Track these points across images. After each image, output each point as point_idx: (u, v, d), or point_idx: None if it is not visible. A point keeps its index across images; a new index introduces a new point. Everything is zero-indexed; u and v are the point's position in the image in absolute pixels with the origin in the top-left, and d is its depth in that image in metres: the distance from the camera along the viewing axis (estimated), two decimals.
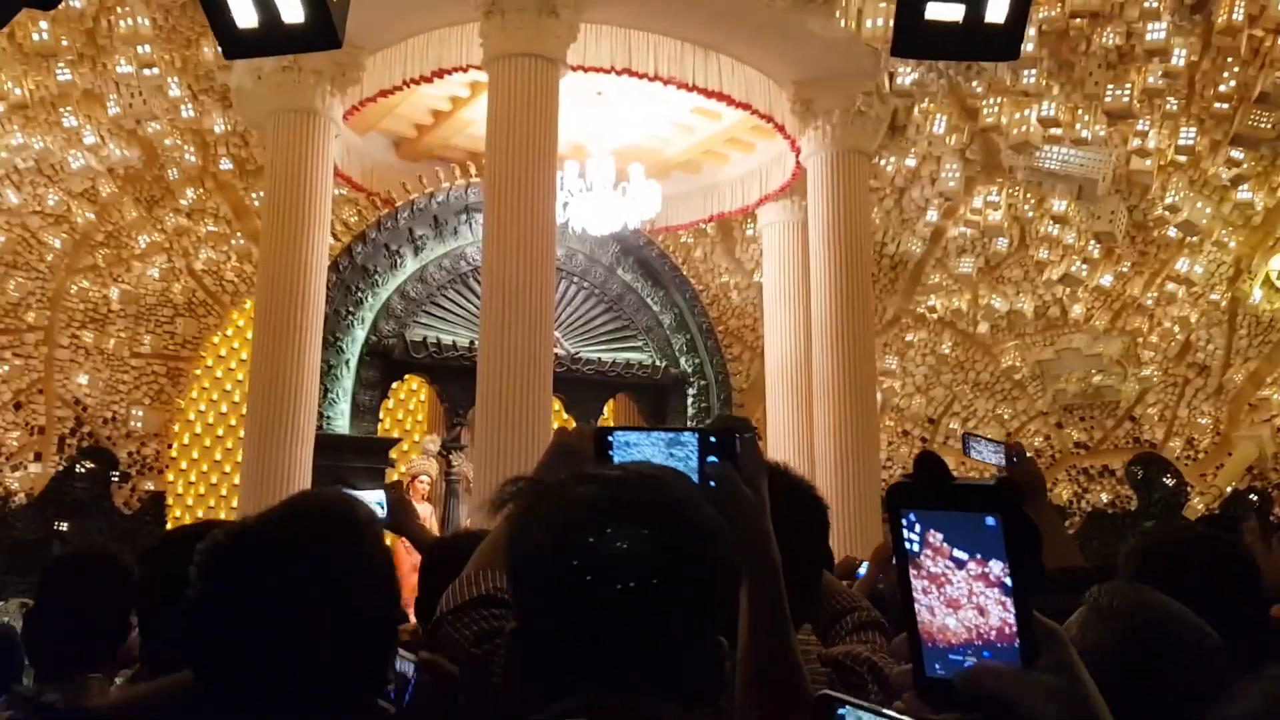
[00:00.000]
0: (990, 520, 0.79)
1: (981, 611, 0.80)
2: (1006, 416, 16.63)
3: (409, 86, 10.95)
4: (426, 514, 11.73)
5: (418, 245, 12.29)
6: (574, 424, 13.71)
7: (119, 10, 10.70)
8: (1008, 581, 0.78)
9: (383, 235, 12.13)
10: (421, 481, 11.75)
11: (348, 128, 11.83)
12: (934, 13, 2.15)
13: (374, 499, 2.19)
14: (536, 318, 9.23)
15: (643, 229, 13.02)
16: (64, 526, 13.67)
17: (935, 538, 0.81)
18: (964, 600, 0.80)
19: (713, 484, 1.43)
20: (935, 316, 15.99)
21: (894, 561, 0.84)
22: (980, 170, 14.02)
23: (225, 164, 13.49)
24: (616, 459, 1.50)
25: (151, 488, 14.74)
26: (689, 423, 13.11)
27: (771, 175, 12.98)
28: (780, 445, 12.49)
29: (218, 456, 14.71)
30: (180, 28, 11.20)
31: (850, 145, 11.68)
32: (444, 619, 1.74)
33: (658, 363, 13.46)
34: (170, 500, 14.58)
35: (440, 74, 10.64)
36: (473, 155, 12.34)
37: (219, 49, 2.41)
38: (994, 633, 0.80)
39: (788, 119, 11.66)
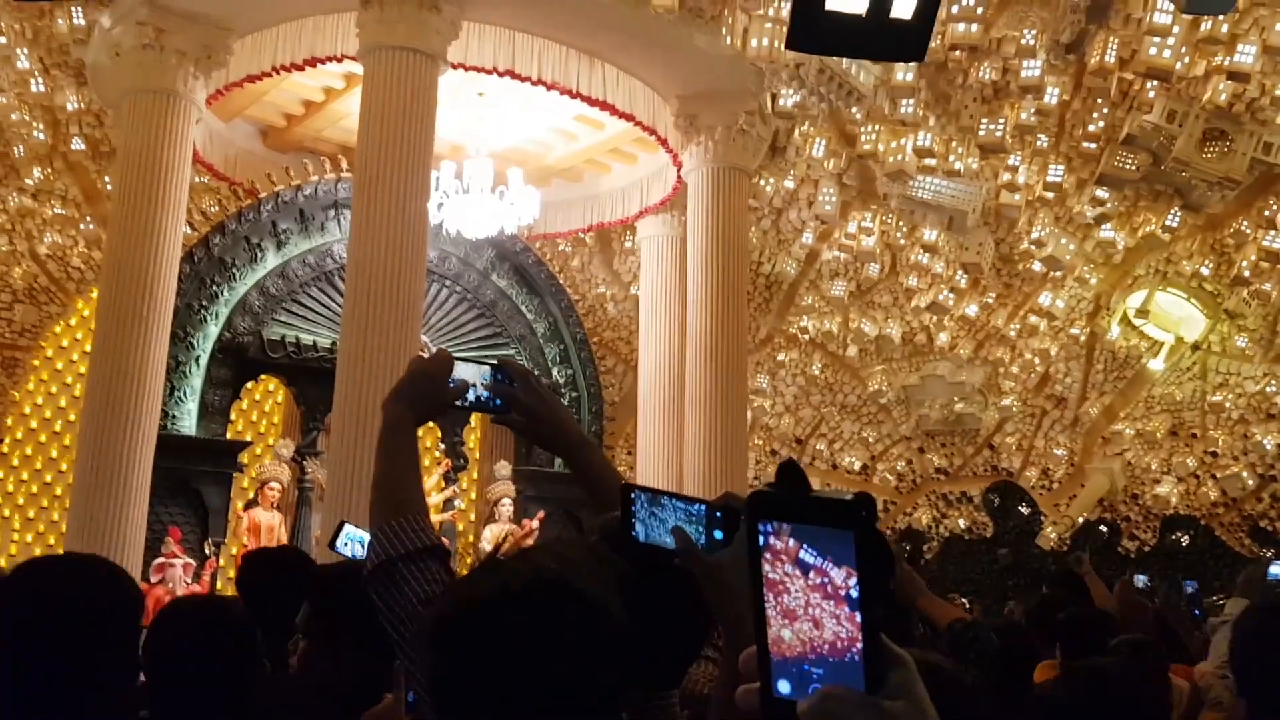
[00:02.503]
0: (846, 535, 0.78)
1: (830, 629, 0.79)
2: (871, 439, 16.86)
3: (279, 73, 10.45)
4: (275, 522, 11.21)
5: (281, 239, 11.76)
6: (438, 432, 13.34)
7: None
8: (856, 598, 0.78)
9: (243, 227, 11.57)
10: (272, 488, 11.24)
11: (211, 113, 11.24)
12: (836, 3, 1.97)
13: (478, 374, 1.92)
14: (403, 319, 8.85)
15: (520, 235, 12.74)
16: None
17: (791, 550, 0.79)
18: (814, 616, 0.79)
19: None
20: (807, 337, 16.12)
21: (749, 576, 0.82)
22: (856, 195, 14.18)
23: (77, 144, 12.70)
24: (639, 525, 1.59)
25: None
26: None
27: (652, 188, 12.87)
28: (650, 460, 12.34)
29: (53, 454, 13.80)
30: None
31: (731, 163, 11.63)
32: (397, 563, 1.68)
33: (546, 376, 13.17)
34: None
35: (313, 62, 10.18)
36: (345, 149, 11.88)
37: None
38: (841, 653, 0.79)
39: (670, 133, 11.55)
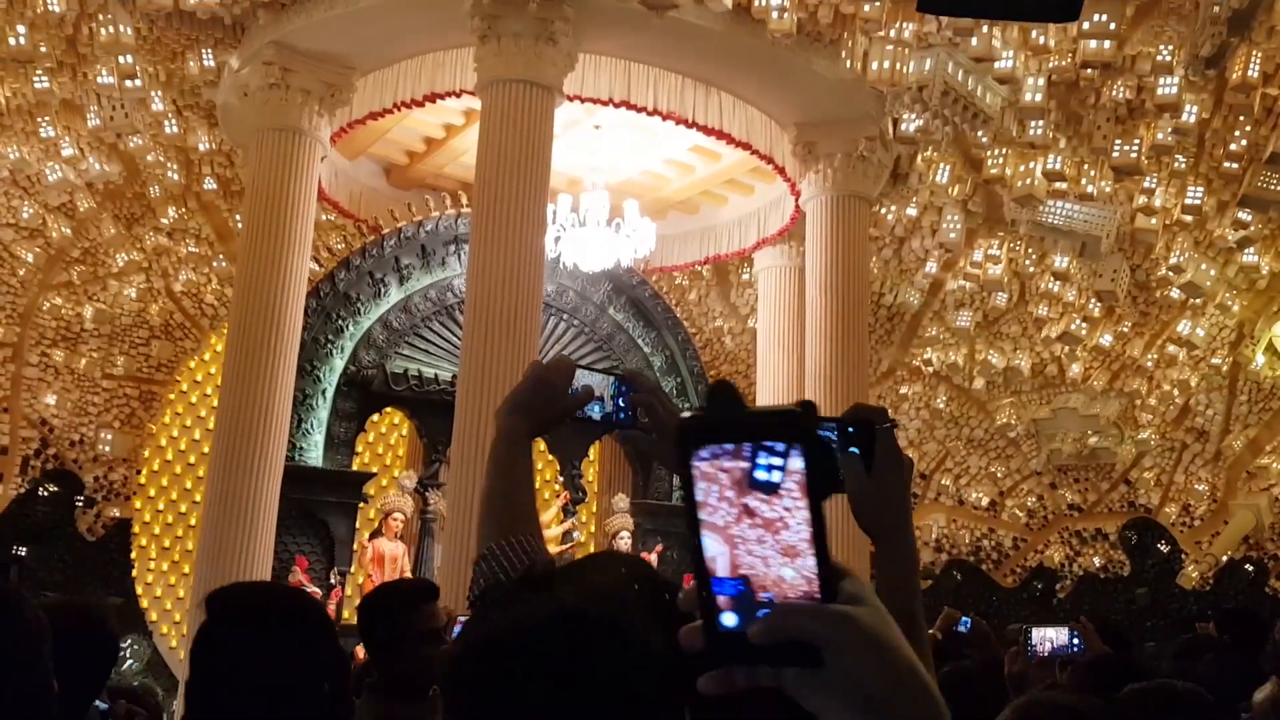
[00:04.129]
0: (787, 449, 0.73)
1: (778, 552, 0.74)
2: (999, 475, 16.25)
3: (400, 109, 10.62)
4: (399, 553, 11.29)
5: (403, 274, 11.93)
6: (557, 465, 13.32)
7: (100, 18, 10.33)
8: (806, 515, 0.73)
9: (368, 263, 11.78)
10: (395, 519, 11.33)
11: (337, 151, 11.49)
12: None
13: (602, 385, 1.80)
14: (520, 353, 8.82)
15: (637, 268, 12.69)
16: (23, 551, 13.14)
17: (728, 473, 0.73)
18: (760, 540, 0.73)
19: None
20: (931, 370, 15.65)
21: (684, 507, 0.75)
22: (982, 223, 13.73)
23: (209, 184, 13.12)
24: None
25: (118, 514, 14.22)
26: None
27: (770, 218, 12.69)
28: None
29: (188, 485, 14.19)
30: (165, 39, 10.86)
31: (851, 190, 11.38)
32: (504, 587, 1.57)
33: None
34: (137, 528, 14.05)
35: (432, 98, 10.32)
36: (465, 185, 12.01)
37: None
38: (791, 575, 0.74)
39: (788, 161, 11.37)
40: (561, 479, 13.21)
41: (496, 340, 8.79)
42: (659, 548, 12.22)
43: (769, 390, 12.63)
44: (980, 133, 11.42)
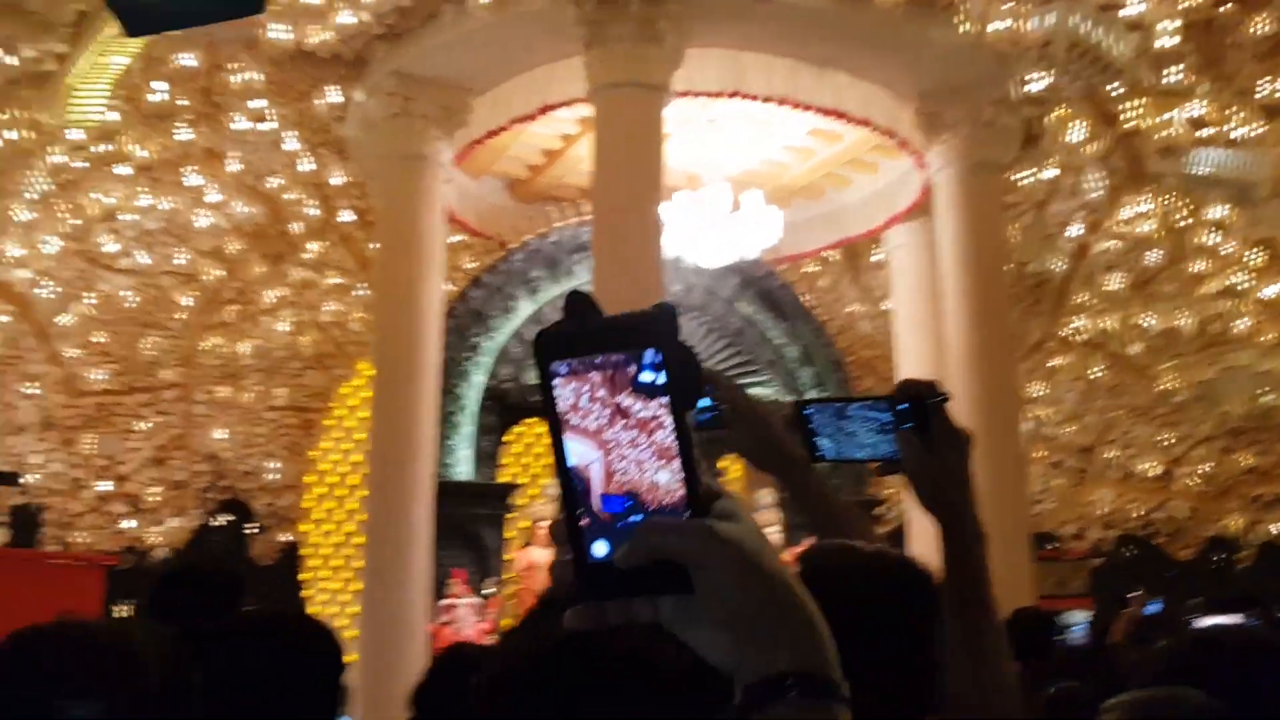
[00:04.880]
0: (647, 355, 0.69)
1: (647, 469, 0.70)
2: (1168, 442, 15.46)
3: (516, 125, 10.78)
4: (548, 559, 11.45)
5: (533, 287, 12.10)
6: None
7: (231, 66, 10.84)
8: (670, 426, 0.69)
9: (497, 279, 12.00)
10: (541, 526, 11.49)
11: (461, 172, 11.74)
12: None
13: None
14: None
15: (763, 259, 12.55)
16: None
17: (590, 387, 0.70)
18: (632, 444, 0.69)
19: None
20: (1084, 339, 14.98)
21: (549, 430, 0.71)
22: (1126, 179, 13.07)
23: (346, 215, 13.59)
24: (824, 441, 1.55)
25: (288, 538, 14.89)
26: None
27: (898, 196, 12.37)
28: None
29: (351, 506, 14.74)
30: (292, 81, 11.30)
31: (981, 159, 10.99)
32: None
33: (784, 399, 12.90)
34: (306, 550, 14.68)
35: (545, 110, 10.43)
36: (585, 193, 12.11)
37: (122, 29, 2.08)
38: (666, 479, 0.70)
39: (912, 134, 11.06)
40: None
41: None
42: (806, 542, 12.04)
43: (910, 372, 12.30)
44: (1113, 85, 10.88)
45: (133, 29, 2.07)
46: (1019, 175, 12.76)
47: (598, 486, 0.70)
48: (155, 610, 2.91)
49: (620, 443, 0.70)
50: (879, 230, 12.86)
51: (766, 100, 10.20)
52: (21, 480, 13.23)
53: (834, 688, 0.71)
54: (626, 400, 0.69)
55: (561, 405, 0.70)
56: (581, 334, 0.70)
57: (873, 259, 14.66)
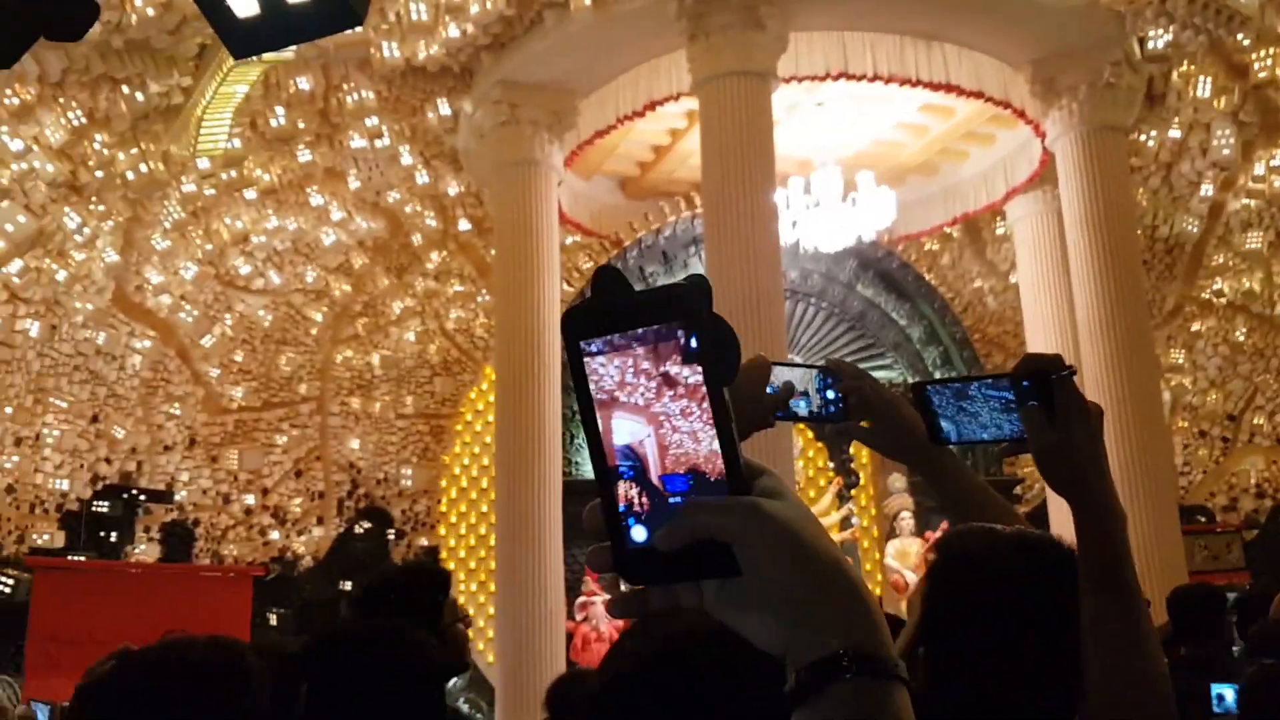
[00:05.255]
0: (680, 330, 0.66)
1: (686, 447, 0.67)
2: None
3: (623, 124, 10.83)
4: None
5: (648, 283, 12.12)
6: (825, 450, 13.15)
7: (345, 87, 11.17)
8: (705, 403, 0.66)
9: None
10: None
11: (572, 174, 11.85)
12: None
13: (805, 380, 1.76)
14: (767, 344, 8.75)
15: (881, 240, 12.35)
16: (348, 586, 14.30)
17: (634, 361, 0.67)
18: (684, 414, 0.66)
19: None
20: (1224, 301, 14.33)
21: (577, 410, 0.68)
22: (1258, 133, 12.45)
23: (463, 224, 13.86)
24: (945, 423, 1.51)
25: (425, 543, 15.27)
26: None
27: (1017, 166, 12.03)
28: None
29: (484, 508, 15.04)
30: (404, 96, 11.58)
31: (1102, 122, 10.60)
32: None
33: (910, 380, 12.66)
34: (444, 554, 15.03)
35: (651, 106, 10.46)
36: (696, 186, 12.09)
37: (230, 49, 2.15)
38: (701, 468, 0.67)
39: (1028, 102, 10.74)
40: (832, 464, 13.02)
41: (741, 334, 8.59)
42: (944, 524, 11.80)
43: (1041, 346, 11.95)
44: (1240, 35, 10.36)
45: (238, 51, 2.15)
46: (1143, 136, 12.27)
47: (654, 464, 0.68)
48: (363, 613, 2.99)
49: (671, 414, 0.67)
50: (1000, 203, 12.53)
51: (874, 79, 10.04)
52: (176, 498, 13.88)
53: (891, 666, 0.67)
54: (676, 369, 0.66)
55: (605, 382, 0.67)
56: (615, 309, 0.67)
57: (996, 232, 14.28)
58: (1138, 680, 1.33)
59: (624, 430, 0.68)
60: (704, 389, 0.66)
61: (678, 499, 0.67)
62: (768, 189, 9.27)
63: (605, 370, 0.67)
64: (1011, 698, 1.39)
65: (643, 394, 0.67)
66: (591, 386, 0.68)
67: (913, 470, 1.88)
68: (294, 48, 10.38)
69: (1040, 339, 11.94)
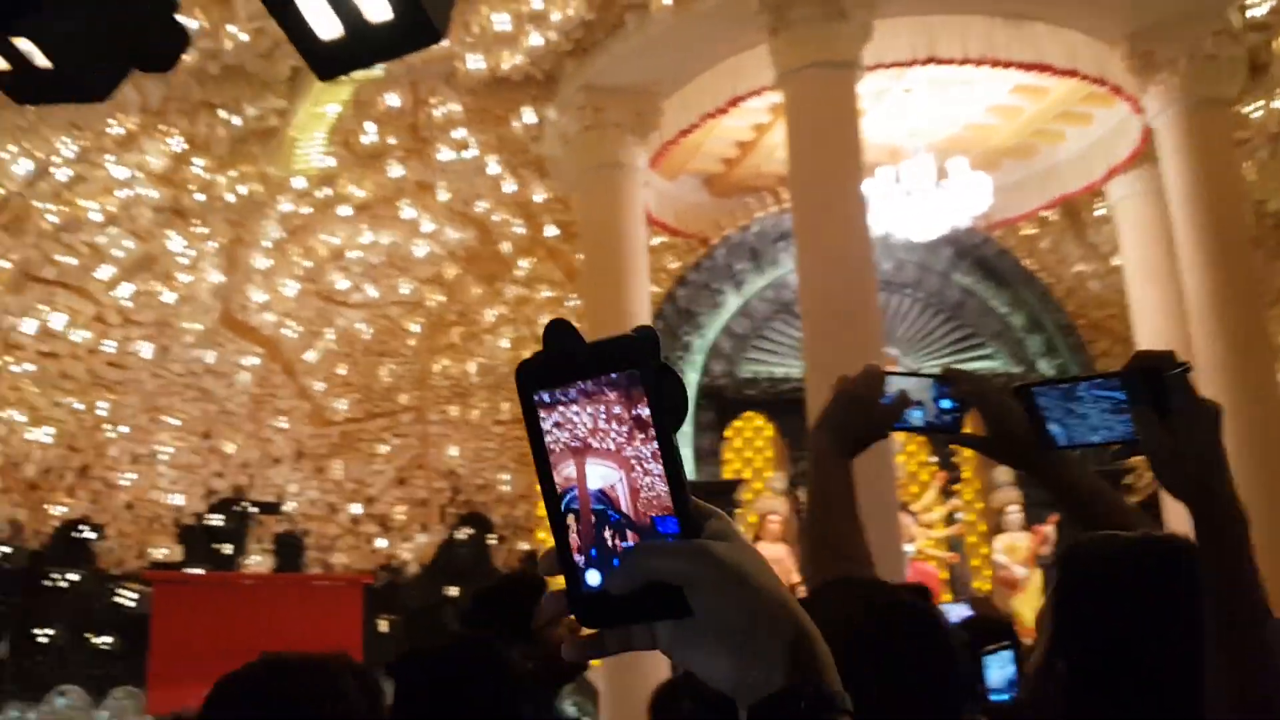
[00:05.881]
0: (629, 375, 0.68)
1: (639, 490, 0.69)
2: None
3: (706, 122, 10.79)
4: (781, 554, 11.37)
5: (738, 280, 12.08)
6: (929, 444, 12.89)
7: (432, 101, 11.34)
8: (656, 448, 0.68)
9: (702, 275, 12.04)
10: (772, 520, 11.43)
11: (657, 174, 11.85)
12: None
13: (921, 389, 1.73)
14: (862, 338, 8.63)
15: (977, 226, 12.08)
16: (453, 592, 14.52)
17: (577, 415, 0.69)
18: (654, 458, 0.68)
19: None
20: None
21: (534, 459, 0.71)
22: None
23: (551, 230, 13.96)
24: (1053, 426, 1.45)
25: (525, 547, 15.42)
26: None
27: (1116, 145, 11.66)
28: None
29: None
30: (489, 107, 11.70)
31: (1204, 95, 10.20)
32: None
33: (1013, 370, 12.37)
34: None
35: (734, 103, 10.40)
36: (783, 180, 11.97)
37: (313, 70, 2.17)
38: (654, 512, 0.69)
39: (1124, 79, 10.40)
40: (936, 458, 12.77)
41: (835, 331, 8.65)
42: (1053, 518, 11.50)
43: (1148, 330, 11.56)
44: None
45: (322, 72, 2.19)
46: (1248, 109, 11.78)
47: (608, 508, 0.70)
48: (470, 624, 3.05)
49: (625, 459, 0.69)
50: (1099, 183, 12.16)
51: (963, 63, 9.83)
52: (286, 509, 14.26)
53: (840, 700, 0.69)
54: (628, 416, 0.68)
55: (559, 431, 0.69)
56: (567, 361, 0.70)
57: (1096, 214, 13.87)
58: (1258, 702, 1.25)
59: (578, 476, 0.70)
60: (655, 435, 0.68)
61: (629, 543, 0.69)
62: (856, 179, 9.13)
63: (560, 419, 0.69)
64: (1150, 710, 1.35)
65: (597, 441, 0.69)
66: (545, 437, 0.70)
67: (1030, 477, 1.82)
68: (382, 65, 10.58)
69: (1147, 325, 11.56)
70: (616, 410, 0.68)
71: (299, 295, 13.64)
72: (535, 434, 0.70)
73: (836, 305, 8.73)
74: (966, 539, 12.87)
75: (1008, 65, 9.92)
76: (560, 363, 0.70)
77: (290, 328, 13.88)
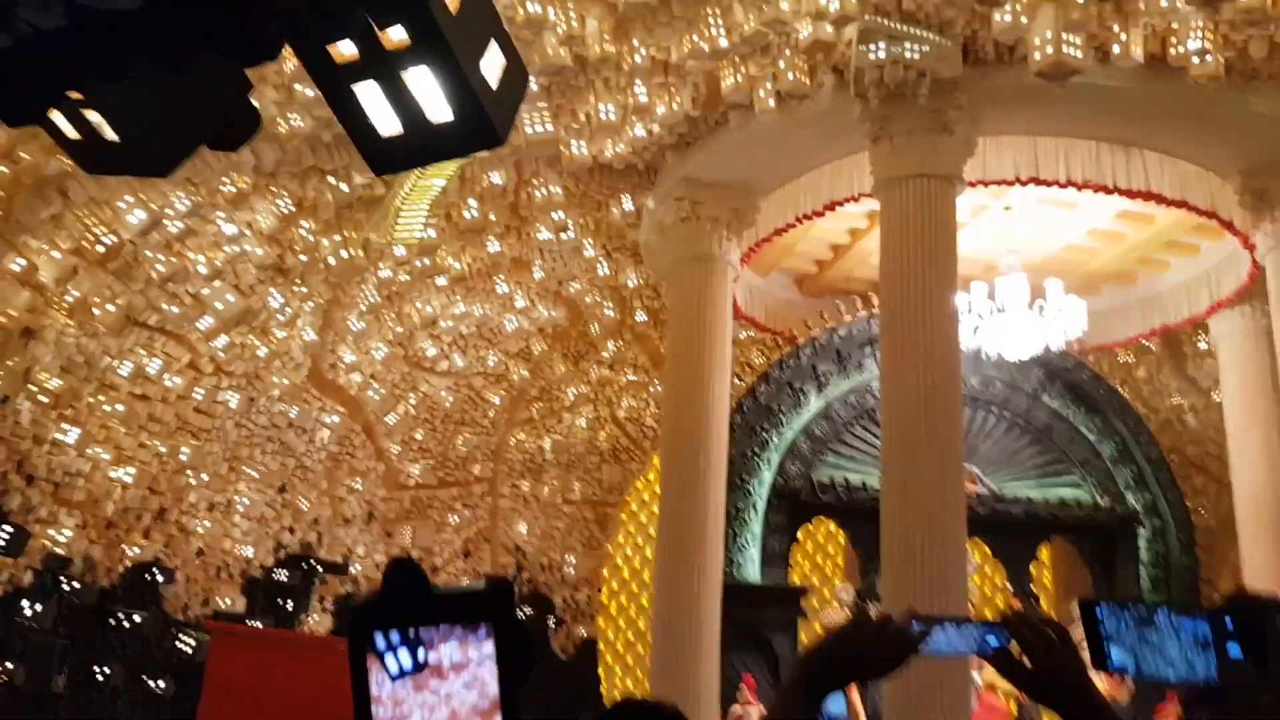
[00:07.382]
0: (480, 628, 0.70)
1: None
2: None
3: (802, 222, 10.80)
4: None
5: (821, 382, 11.94)
6: (1003, 570, 12.46)
7: (534, 182, 11.56)
8: (495, 695, 0.70)
9: (785, 373, 11.93)
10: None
11: (749, 270, 11.86)
12: None
13: (969, 641, 1.47)
14: (943, 452, 8.44)
15: (1070, 349, 11.81)
16: None
17: (422, 656, 0.69)
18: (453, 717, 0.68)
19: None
20: None
21: (354, 692, 0.67)
22: None
23: (640, 316, 14.04)
24: (1118, 651, 1.32)
25: (585, 634, 15.22)
26: (1140, 570, 11.48)
27: (1223, 279, 11.36)
28: None
29: (644, 601, 14.91)
30: (590, 192, 11.90)
31: None
32: None
33: (1099, 500, 11.97)
34: (602, 646, 14.93)
35: (832, 206, 10.40)
36: (874, 286, 11.87)
37: (369, 164, 2.18)
38: None
39: (1235, 213, 10.16)
40: (1010, 584, 12.34)
41: (916, 441, 8.48)
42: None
43: (1247, 475, 11.10)
44: None
45: (377, 167, 2.20)
46: None
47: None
48: None
49: (462, 705, 0.70)
50: (1203, 316, 11.84)
51: (1067, 185, 9.71)
52: (351, 570, 14.32)
53: None
54: (474, 665, 0.69)
55: (389, 671, 0.69)
56: (406, 605, 0.70)
57: (1199, 346, 13.47)
58: None
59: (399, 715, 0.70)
60: (490, 684, 0.70)
61: None
62: (949, 292, 9.02)
63: (396, 663, 0.70)
64: None
65: (433, 686, 0.70)
66: (372, 679, 0.70)
67: None
68: None
69: (1247, 464, 11.11)
70: (457, 658, 0.69)
71: (386, 359, 13.87)
72: (360, 675, 0.71)
73: (919, 416, 8.56)
74: None
75: (1114, 191, 9.77)
76: (403, 606, 0.70)
77: (375, 389, 14.09)
